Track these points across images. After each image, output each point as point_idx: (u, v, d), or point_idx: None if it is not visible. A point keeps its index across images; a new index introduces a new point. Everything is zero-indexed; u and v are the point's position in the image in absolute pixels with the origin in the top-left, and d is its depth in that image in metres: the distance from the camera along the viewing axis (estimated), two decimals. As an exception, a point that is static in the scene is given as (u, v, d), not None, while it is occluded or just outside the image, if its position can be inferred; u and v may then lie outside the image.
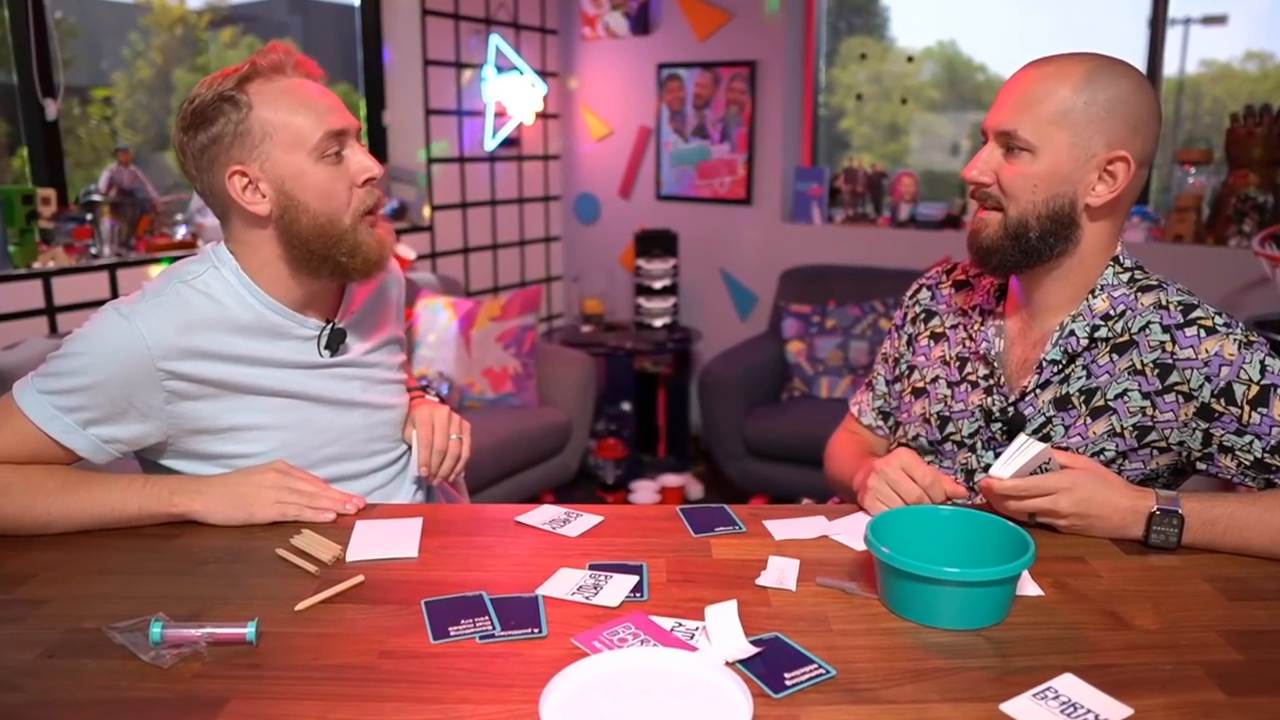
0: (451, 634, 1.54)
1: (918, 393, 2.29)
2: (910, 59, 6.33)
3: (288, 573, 1.76)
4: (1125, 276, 2.05)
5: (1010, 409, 2.10)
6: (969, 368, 2.20)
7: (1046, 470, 1.85)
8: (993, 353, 2.15)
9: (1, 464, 1.96)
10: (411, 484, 2.35)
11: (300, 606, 1.62)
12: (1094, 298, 2.04)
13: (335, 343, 2.17)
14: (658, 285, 6.31)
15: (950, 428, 2.20)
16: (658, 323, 6.35)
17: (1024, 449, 1.84)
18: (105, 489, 1.96)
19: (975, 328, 2.21)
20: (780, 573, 1.75)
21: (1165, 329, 1.98)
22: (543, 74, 6.61)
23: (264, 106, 1.97)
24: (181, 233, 4.70)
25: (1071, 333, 2.04)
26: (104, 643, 1.50)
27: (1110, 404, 2.02)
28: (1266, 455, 1.89)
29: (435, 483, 2.34)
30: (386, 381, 2.31)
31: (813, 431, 4.93)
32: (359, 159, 2.05)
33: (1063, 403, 2.06)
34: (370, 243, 2.07)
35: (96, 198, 4.34)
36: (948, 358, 2.25)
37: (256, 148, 1.98)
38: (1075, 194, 1.97)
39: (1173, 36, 5.44)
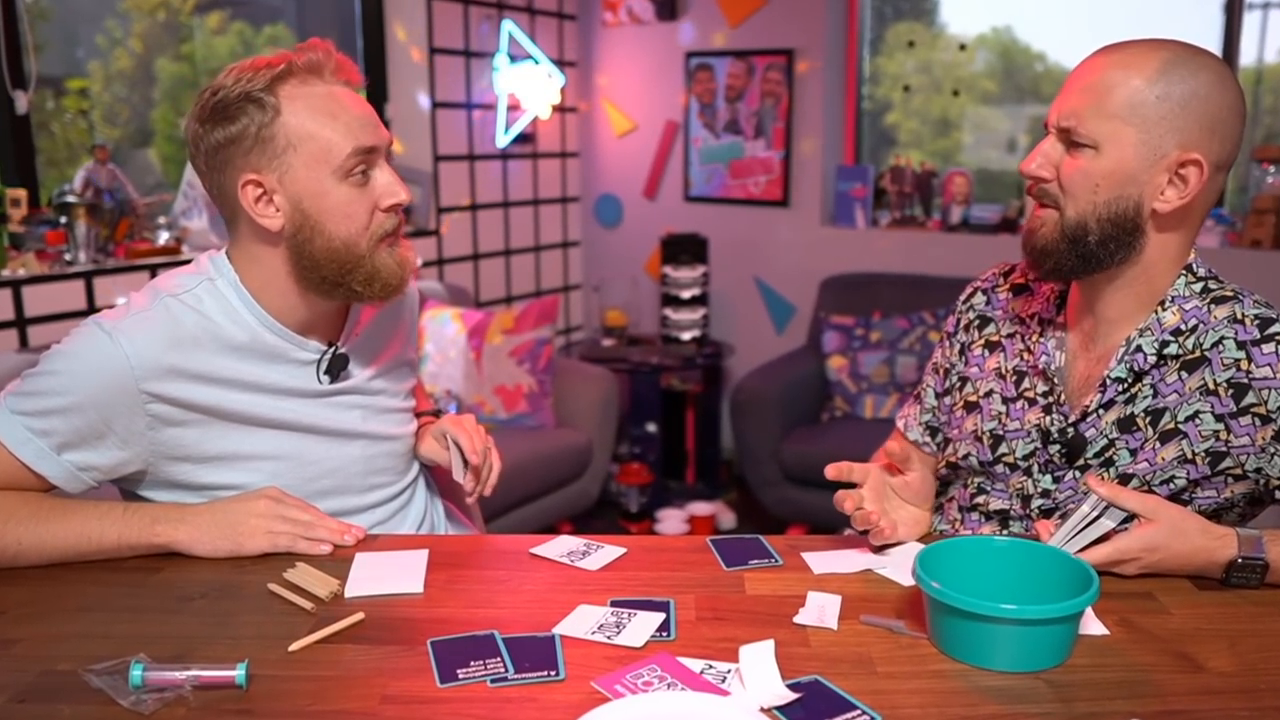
0: (460, 677, 1.54)
1: (970, 407, 2.27)
2: (963, 47, 6.31)
3: (281, 610, 1.77)
4: (1198, 287, 2.02)
5: (1070, 429, 2.09)
6: (1026, 383, 2.18)
7: (1102, 512, 1.83)
8: (1052, 367, 2.14)
9: None
10: (415, 519, 2.36)
11: (294, 647, 1.62)
12: (1163, 310, 2.01)
13: (336, 369, 2.18)
14: (686, 295, 6.30)
15: (1003, 448, 2.18)
16: (686, 336, 6.34)
17: (1090, 526, 1.83)
18: (82, 517, 1.95)
19: (1034, 339, 2.19)
20: (820, 610, 1.75)
21: (1240, 345, 1.95)
22: (560, 64, 6.61)
23: (293, 114, 1.95)
24: (164, 237, 4.70)
25: (1138, 348, 2.01)
26: (80, 686, 1.50)
27: (1180, 427, 2.00)
28: None
29: (478, 494, 2.29)
30: (391, 410, 2.33)
31: (856, 455, 4.87)
32: (386, 181, 2.04)
33: (1127, 424, 2.04)
34: (390, 265, 2.06)
35: (71, 199, 4.32)
36: (1003, 370, 2.23)
37: (278, 157, 1.96)
38: (1141, 197, 1.94)
39: (1250, 22, 5.43)
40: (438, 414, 2.47)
